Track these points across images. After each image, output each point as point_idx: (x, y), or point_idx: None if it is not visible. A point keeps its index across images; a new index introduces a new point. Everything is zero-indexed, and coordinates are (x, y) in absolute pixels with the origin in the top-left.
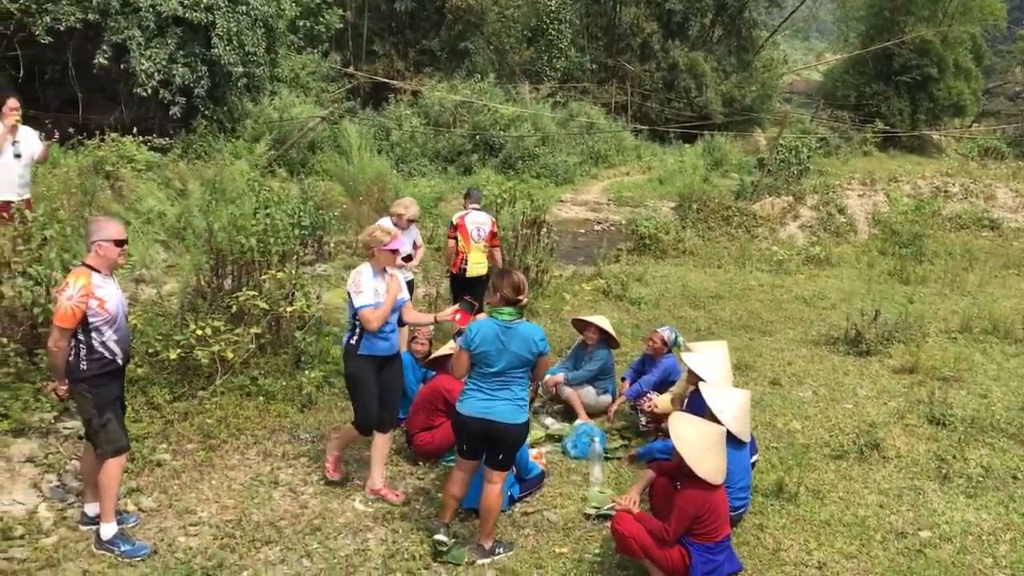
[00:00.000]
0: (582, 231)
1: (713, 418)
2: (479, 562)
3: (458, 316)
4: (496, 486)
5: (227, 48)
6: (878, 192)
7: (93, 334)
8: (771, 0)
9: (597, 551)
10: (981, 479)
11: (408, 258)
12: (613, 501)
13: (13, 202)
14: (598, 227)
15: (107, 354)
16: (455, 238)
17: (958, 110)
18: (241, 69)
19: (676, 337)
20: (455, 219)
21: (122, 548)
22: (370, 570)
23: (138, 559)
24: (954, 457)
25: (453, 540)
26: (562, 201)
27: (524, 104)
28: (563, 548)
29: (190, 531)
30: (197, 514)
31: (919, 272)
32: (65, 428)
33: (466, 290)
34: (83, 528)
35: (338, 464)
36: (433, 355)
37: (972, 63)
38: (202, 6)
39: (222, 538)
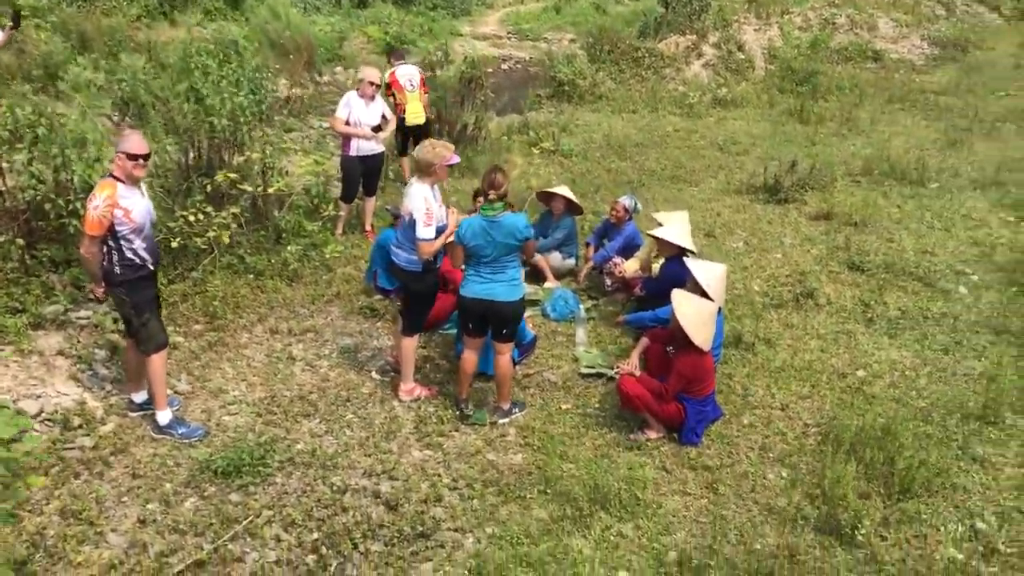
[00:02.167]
0: (490, 70)
1: (698, 288)
2: (500, 421)
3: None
4: (506, 356)
5: None
6: (772, 26)
7: (122, 242)
8: None
9: (597, 405)
10: (899, 320)
11: (378, 128)
12: (616, 366)
13: None
14: (504, 66)
15: (138, 260)
16: (392, 94)
17: None
18: None
19: (635, 204)
20: (387, 77)
21: (180, 431)
22: (406, 435)
23: (195, 439)
24: (875, 302)
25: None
26: (461, 35)
27: None
28: (567, 404)
29: (231, 410)
30: (230, 393)
31: (816, 111)
32: (79, 319)
33: (409, 136)
34: (132, 415)
35: (419, 384)
36: None
37: None
38: None
39: (263, 414)
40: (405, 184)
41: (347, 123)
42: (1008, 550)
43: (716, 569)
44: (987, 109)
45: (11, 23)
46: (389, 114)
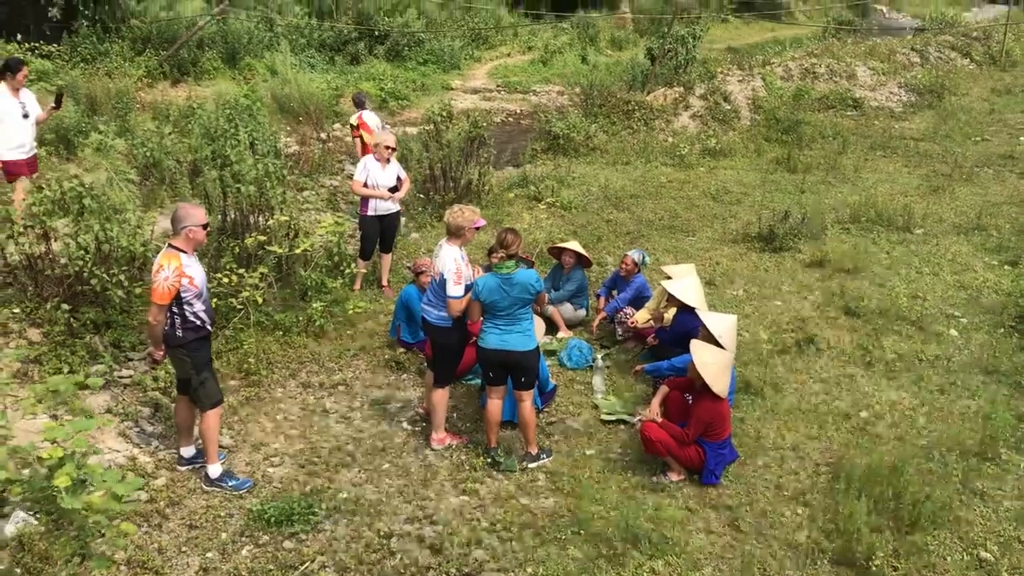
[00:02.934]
0: (484, 124)
1: (709, 337)
2: (529, 467)
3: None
4: (527, 403)
5: None
6: (755, 77)
7: (185, 307)
8: None
9: (619, 449)
10: (896, 363)
11: (394, 189)
12: (638, 413)
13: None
14: (497, 119)
15: (199, 322)
16: (360, 136)
17: None
18: None
19: (644, 257)
20: (354, 120)
21: (230, 483)
22: (442, 481)
23: (244, 491)
24: (872, 346)
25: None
26: (452, 89)
27: None
28: (591, 450)
29: (274, 462)
30: (271, 446)
31: (803, 159)
32: (121, 378)
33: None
34: (181, 469)
35: (449, 433)
36: None
37: None
38: None
39: (305, 465)
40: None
41: (365, 185)
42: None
43: None
44: (965, 154)
45: (54, 104)
46: (403, 175)
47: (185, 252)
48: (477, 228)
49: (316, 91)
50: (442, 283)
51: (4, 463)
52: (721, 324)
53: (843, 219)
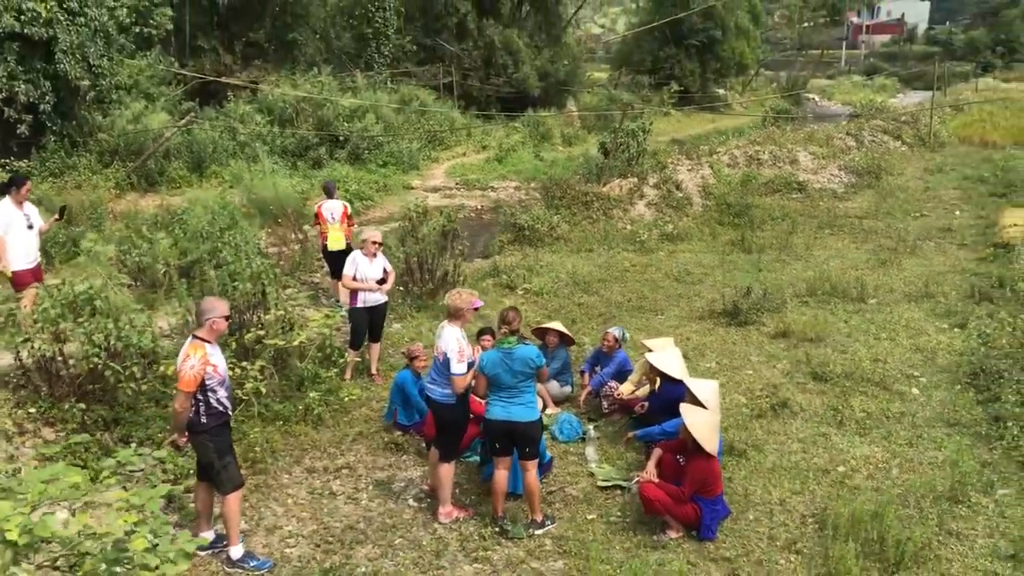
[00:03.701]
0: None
1: (695, 401)
2: (536, 533)
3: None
4: (531, 472)
5: (71, 62)
6: (703, 165)
7: (209, 393)
8: None
9: (619, 513)
10: (865, 421)
11: (381, 281)
12: (636, 476)
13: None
14: (460, 215)
15: (221, 408)
16: (317, 224)
17: (741, 68)
18: (87, 82)
19: (624, 334)
20: (316, 208)
21: (252, 564)
22: (454, 552)
23: (266, 571)
24: (842, 406)
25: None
26: (413, 188)
27: (360, 93)
28: (591, 515)
29: (289, 543)
30: (284, 528)
31: (756, 240)
32: (133, 472)
33: (332, 260)
34: (201, 554)
35: (455, 507)
36: None
37: (750, 23)
38: (41, 20)
39: (320, 544)
40: (339, 303)
41: (354, 278)
42: None
43: None
44: (907, 229)
45: (57, 216)
46: (389, 267)
47: (209, 342)
48: (475, 309)
49: (292, 193)
50: (446, 362)
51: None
52: (705, 389)
53: (800, 293)
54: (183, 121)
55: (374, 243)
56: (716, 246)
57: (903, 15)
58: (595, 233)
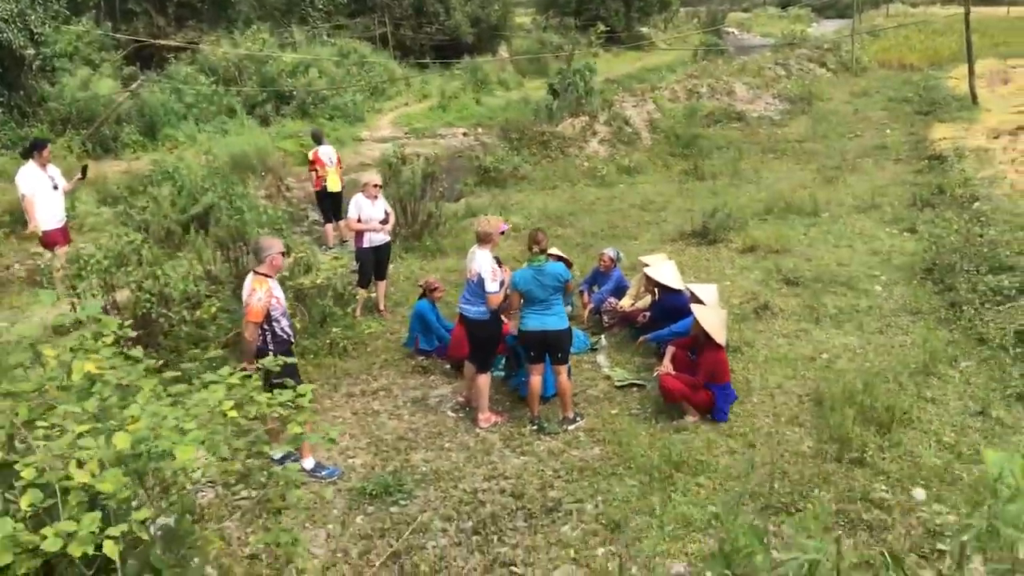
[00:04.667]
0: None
1: (698, 302)
2: (569, 428)
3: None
4: (563, 374)
5: (14, 31)
6: (647, 101)
7: (274, 323)
8: None
9: (638, 407)
10: (838, 316)
11: (384, 222)
12: (657, 370)
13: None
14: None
15: (285, 335)
16: (315, 170)
17: (664, 5)
18: (32, 51)
19: (618, 254)
20: (310, 155)
21: (323, 472)
22: (500, 449)
23: (336, 478)
24: (816, 304)
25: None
26: (363, 140)
27: (300, 48)
28: (614, 410)
29: (349, 455)
30: (340, 443)
31: (708, 168)
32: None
33: (330, 202)
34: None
35: (493, 412)
36: None
37: None
38: None
39: (378, 453)
40: (330, 248)
41: (359, 220)
42: (968, 451)
43: (778, 493)
44: (845, 149)
45: (80, 175)
46: (389, 208)
47: (270, 277)
48: (502, 232)
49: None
50: (480, 282)
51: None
52: (707, 291)
53: (759, 212)
54: (134, 85)
55: (375, 186)
56: (671, 176)
57: None
58: (556, 171)
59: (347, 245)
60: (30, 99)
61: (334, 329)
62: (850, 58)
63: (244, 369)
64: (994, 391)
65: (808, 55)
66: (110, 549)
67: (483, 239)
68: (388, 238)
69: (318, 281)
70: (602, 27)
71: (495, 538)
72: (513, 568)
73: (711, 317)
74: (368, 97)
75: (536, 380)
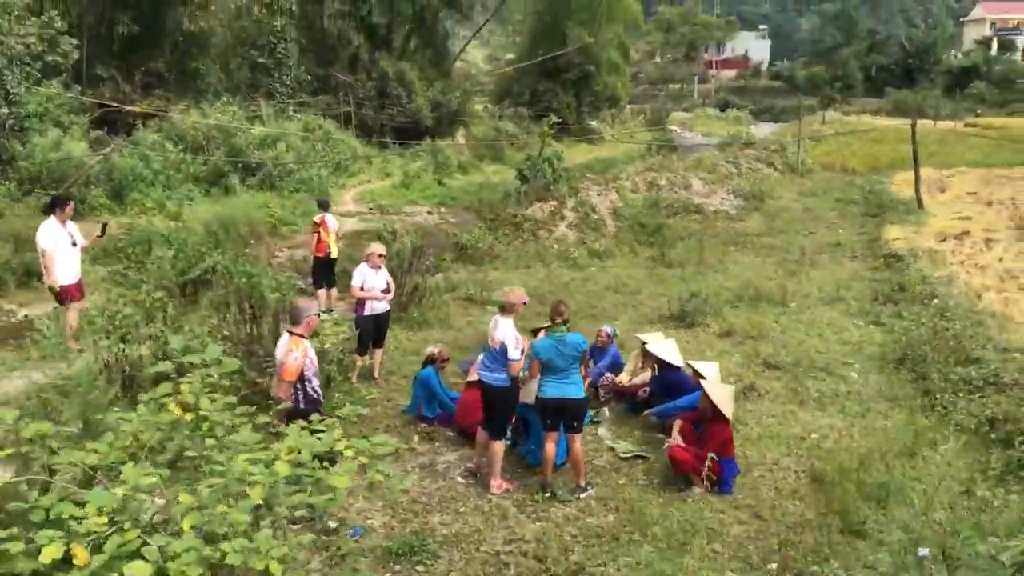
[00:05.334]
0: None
1: (700, 378)
2: (581, 496)
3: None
4: (577, 443)
5: None
6: (611, 190)
7: (307, 383)
8: (460, 13)
9: (644, 477)
10: (821, 399)
11: (385, 291)
12: (667, 443)
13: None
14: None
15: (315, 395)
16: (317, 232)
17: (614, 101)
18: (5, 110)
19: (614, 330)
20: (317, 219)
21: (348, 532)
22: (515, 514)
23: (359, 537)
24: (799, 388)
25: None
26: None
27: (268, 122)
28: (622, 480)
29: (367, 516)
30: (354, 505)
31: (674, 255)
32: None
33: (327, 270)
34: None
35: (504, 480)
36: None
37: (620, 59)
38: None
39: (394, 515)
40: (330, 313)
41: (362, 289)
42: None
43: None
44: (802, 245)
45: (100, 232)
46: (390, 278)
47: (305, 337)
48: (524, 303)
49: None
50: (503, 350)
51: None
52: (709, 368)
53: (730, 299)
54: (108, 149)
55: (379, 255)
56: (638, 262)
57: (746, 51)
58: (528, 252)
59: (332, 313)
60: (0, 157)
61: (336, 394)
62: (795, 160)
63: (275, 427)
64: (977, 472)
65: (756, 155)
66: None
67: (507, 309)
68: (388, 307)
69: (326, 346)
70: (554, 118)
71: None
72: None
73: (720, 392)
74: (332, 173)
75: (551, 447)
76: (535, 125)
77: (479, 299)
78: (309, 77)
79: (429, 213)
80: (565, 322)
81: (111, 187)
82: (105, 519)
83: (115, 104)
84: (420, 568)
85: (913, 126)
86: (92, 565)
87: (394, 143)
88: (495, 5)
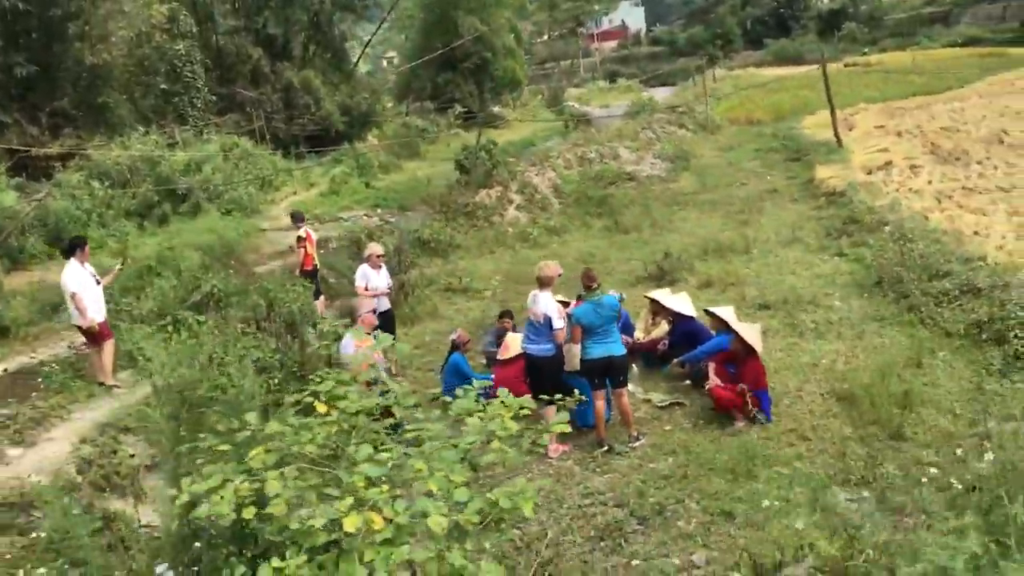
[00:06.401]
0: (322, 251)
1: (724, 324)
2: (635, 445)
3: None
4: (624, 396)
5: None
6: (547, 169)
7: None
8: (355, 13)
9: (687, 422)
10: (817, 328)
11: (389, 289)
12: (707, 384)
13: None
14: (334, 246)
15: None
16: (304, 247)
17: (514, 84)
18: None
19: (622, 295)
20: (302, 233)
21: None
22: (581, 472)
23: None
24: (795, 321)
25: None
26: (264, 230)
27: (187, 147)
28: (668, 426)
29: None
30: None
31: (628, 222)
32: None
33: (315, 278)
34: None
35: (559, 443)
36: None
37: (514, 43)
38: None
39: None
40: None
41: (366, 289)
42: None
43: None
44: (740, 197)
45: (120, 266)
46: (390, 278)
47: (367, 333)
48: (559, 274)
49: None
50: (547, 322)
51: None
52: (727, 311)
53: (697, 255)
54: (41, 195)
55: (379, 256)
56: (594, 232)
57: (623, 21)
58: (486, 238)
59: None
60: None
61: None
62: (705, 118)
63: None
64: (981, 369)
65: (667, 119)
66: None
67: (545, 282)
68: (390, 305)
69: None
70: (459, 108)
71: (621, 540)
72: (651, 560)
73: (750, 331)
74: (259, 189)
75: (601, 404)
76: (441, 117)
77: (458, 287)
78: (214, 97)
79: (367, 215)
80: (599, 286)
81: (47, 232)
82: (384, 489)
83: (27, 148)
84: (516, 531)
85: (823, 68)
86: (387, 529)
87: (310, 152)
88: (389, 3)
